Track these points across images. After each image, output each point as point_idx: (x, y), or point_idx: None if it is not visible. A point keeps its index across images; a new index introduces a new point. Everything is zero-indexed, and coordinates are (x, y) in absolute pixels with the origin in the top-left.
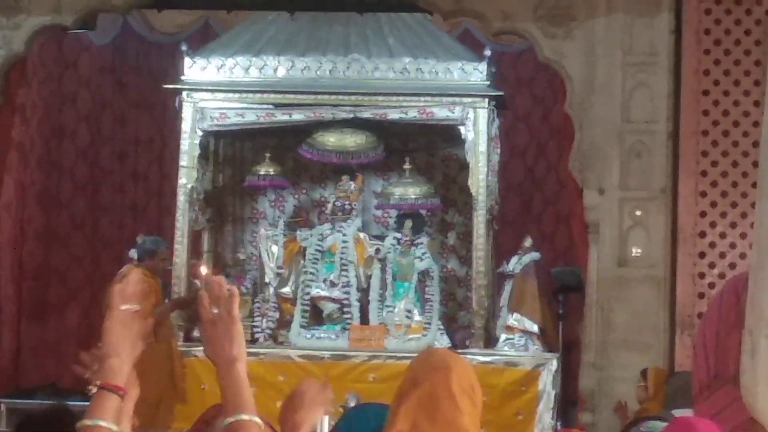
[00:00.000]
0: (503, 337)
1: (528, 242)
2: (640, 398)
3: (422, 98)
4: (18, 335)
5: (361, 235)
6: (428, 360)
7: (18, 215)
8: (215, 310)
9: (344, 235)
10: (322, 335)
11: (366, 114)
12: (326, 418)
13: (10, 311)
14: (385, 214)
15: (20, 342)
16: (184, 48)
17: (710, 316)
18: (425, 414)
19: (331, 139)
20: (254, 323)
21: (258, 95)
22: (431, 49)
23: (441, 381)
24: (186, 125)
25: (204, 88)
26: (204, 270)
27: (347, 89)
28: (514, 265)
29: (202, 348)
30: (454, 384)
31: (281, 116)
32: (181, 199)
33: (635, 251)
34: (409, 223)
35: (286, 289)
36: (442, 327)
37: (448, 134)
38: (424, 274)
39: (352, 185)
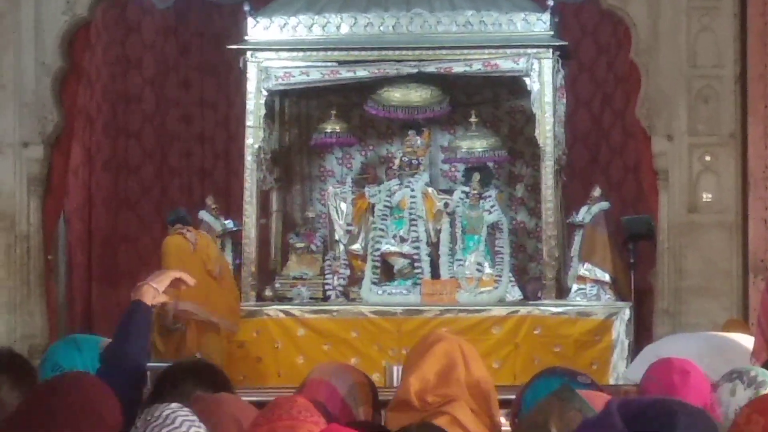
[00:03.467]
0: (575, 287)
1: (597, 192)
2: None
3: (486, 50)
4: (89, 301)
5: (430, 189)
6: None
7: (86, 181)
8: None
9: (412, 190)
10: (393, 291)
11: (430, 68)
12: (400, 368)
13: (80, 277)
14: (453, 168)
15: (91, 307)
16: (246, 8)
17: None
18: (435, 377)
19: (396, 95)
20: (325, 281)
21: (322, 53)
22: (493, 0)
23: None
24: (251, 85)
25: (267, 47)
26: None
27: (410, 44)
28: (583, 215)
29: (274, 307)
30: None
31: (345, 73)
32: (249, 159)
33: (705, 197)
34: (476, 177)
35: (356, 246)
36: (513, 279)
37: (513, 86)
38: (493, 227)
39: (419, 140)
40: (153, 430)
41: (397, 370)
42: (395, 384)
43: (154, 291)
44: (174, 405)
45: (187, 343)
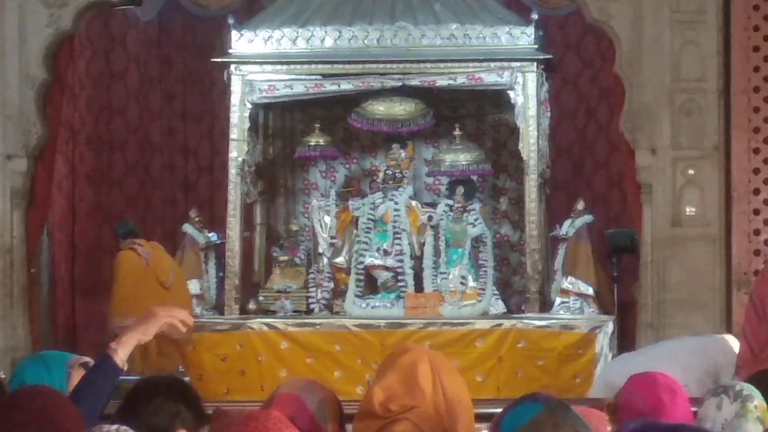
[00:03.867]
0: (558, 300)
1: (580, 205)
2: None
3: (470, 64)
4: (72, 312)
5: (413, 202)
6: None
7: (69, 193)
8: None
9: (396, 203)
10: (377, 304)
11: (414, 81)
12: None
13: (64, 289)
14: (437, 181)
15: (75, 319)
16: (230, 21)
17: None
18: (400, 386)
19: (380, 108)
20: (309, 294)
21: (306, 66)
22: (478, 14)
23: (409, 362)
24: (235, 98)
25: (252, 60)
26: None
27: (395, 57)
28: (567, 228)
29: (258, 320)
30: (422, 365)
31: (330, 86)
32: (233, 172)
33: (689, 210)
34: (460, 190)
35: (340, 259)
36: (496, 292)
37: (498, 99)
38: (477, 240)
39: (403, 153)
40: None
41: None
42: None
43: (135, 341)
44: (114, 427)
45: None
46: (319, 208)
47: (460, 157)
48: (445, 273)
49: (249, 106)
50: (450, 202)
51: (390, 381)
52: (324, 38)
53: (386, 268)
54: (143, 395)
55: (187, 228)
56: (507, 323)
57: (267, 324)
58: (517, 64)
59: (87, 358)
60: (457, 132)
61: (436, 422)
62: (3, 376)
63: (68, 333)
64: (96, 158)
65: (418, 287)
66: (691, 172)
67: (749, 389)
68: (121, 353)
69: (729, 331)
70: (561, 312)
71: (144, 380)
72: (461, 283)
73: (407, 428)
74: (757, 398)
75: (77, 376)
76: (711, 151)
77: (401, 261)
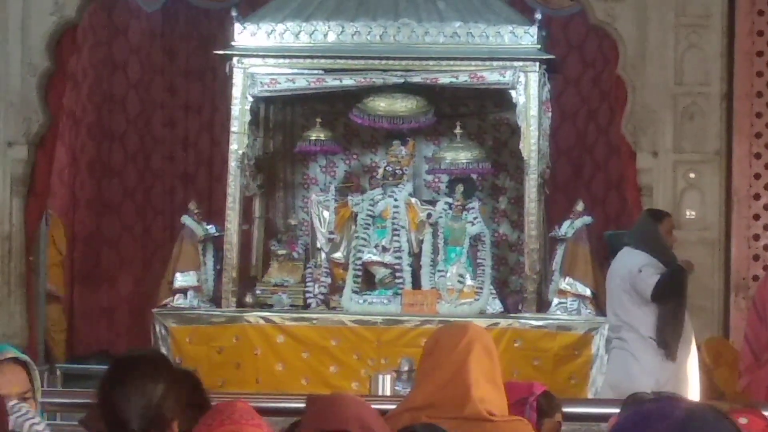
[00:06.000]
0: (555, 301)
1: (580, 206)
2: (704, 374)
3: (473, 62)
4: (71, 302)
5: (413, 200)
6: (444, 339)
7: (69, 183)
8: None
9: (395, 200)
10: (374, 300)
11: (416, 78)
12: (388, 377)
13: (63, 278)
14: (436, 179)
15: (73, 309)
16: (233, 14)
17: None
18: (440, 392)
19: (381, 104)
20: (306, 288)
21: (308, 60)
22: (481, 13)
23: (458, 360)
24: (236, 91)
25: (254, 53)
26: None
27: (397, 54)
28: (566, 229)
29: (254, 313)
30: (472, 359)
31: (332, 81)
32: (232, 165)
33: (689, 214)
34: (460, 188)
35: (338, 255)
36: (494, 291)
37: (499, 98)
38: (475, 239)
39: (403, 150)
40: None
41: (382, 379)
42: (380, 393)
43: None
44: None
45: None
46: (318, 203)
47: (460, 156)
48: (442, 271)
49: (250, 99)
50: (449, 200)
51: (481, 384)
52: (327, 33)
53: (384, 265)
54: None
55: (186, 220)
56: (504, 323)
57: (264, 317)
58: (520, 63)
59: (18, 355)
60: (457, 130)
61: None
62: None
63: (67, 323)
64: (96, 148)
65: (416, 284)
66: (692, 175)
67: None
68: None
69: (726, 335)
70: (558, 313)
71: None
72: (459, 281)
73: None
74: None
75: (8, 371)
76: (712, 156)
77: (399, 258)
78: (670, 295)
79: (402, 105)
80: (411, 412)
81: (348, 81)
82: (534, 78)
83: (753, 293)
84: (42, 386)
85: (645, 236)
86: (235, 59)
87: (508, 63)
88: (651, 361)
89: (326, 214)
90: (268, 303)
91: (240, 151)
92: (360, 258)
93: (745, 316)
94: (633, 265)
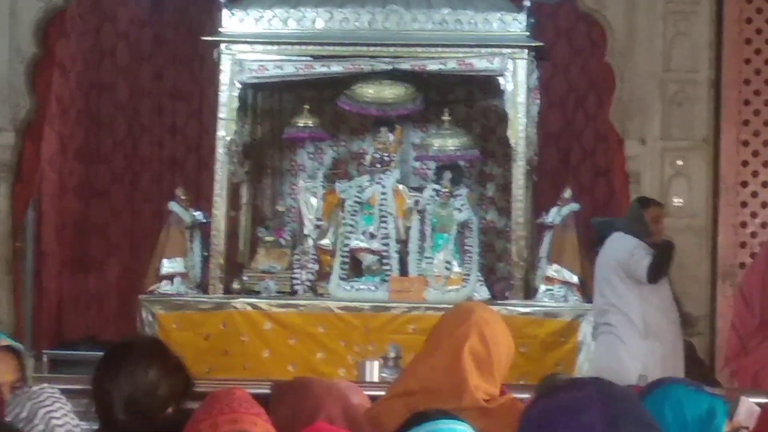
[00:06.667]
0: (543, 288)
1: (567, 193)
2: None
3: (461, 49)
4: (60, 288)
5: (400, 186)
6: (446, 320)
7: (58, 169)
8: None
9: (383, 186)
10: (361, 287)
11: (405, 65)
12: (375, 364)
13: (52, 265)
14: (424, 166)
15: (62, 295)
16: (222, 0)
17: (756, 265)
18: (436, 376)
19: (369, 91)
20: (293, 275)
21: (296, 47)
22: (470, 0)
23: (454, 346)
24: (224, 78)
25: (242, 40)
26: None
27: (386, 41)
28: (553, 216)
29: (241, 300)
30: (467, 347)
31: (320, 68)
32: (220, 151)
33: (677, 201)
34: (448, 175)
35: (326, 241)
36: (481, 278)
37: (487, 85)
38: (463, 226)
39: (391, 137)
40: (20, 402)
41: (369, 365)
42: (367, 379)
43: None
44: (47, 385)
45: None
46: (306, 190)
47: (448, 143)
48: (430, 257)
49: (238, 85)
50: (437, 186)
51: (475, 373)
52: (315, 20)
53: (371, 252)
54: (120, 357)
55: (173, 206)
56: None
57: (251, 304)
58: (508, 50)
59: (11, 344)
60: (445, 117)
61: None
62: None
63: (55, 308)
64: (84, 135)
65: (403, 271)
66: (679, 163)
67: None
68: None
69: (713, 322)
70: (545, 299)
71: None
72: (446, 268)
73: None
74: None
75: (2, 360)
76: (700, 143)
77: (387, 244)
78: (664, 272)
79: (390, 92)
80: (405, 398)
81: (336, 67)
82: (522, 65)
83: (740, 280)
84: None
85: (631, 222)
86: (223, 46)
87: (496, 50)
88: (638, 345)
89: (314, 200)
90: (255, 289)
91: (228, 138)
92: (347, 245)
93: (732, 304)
94: (624, 249)
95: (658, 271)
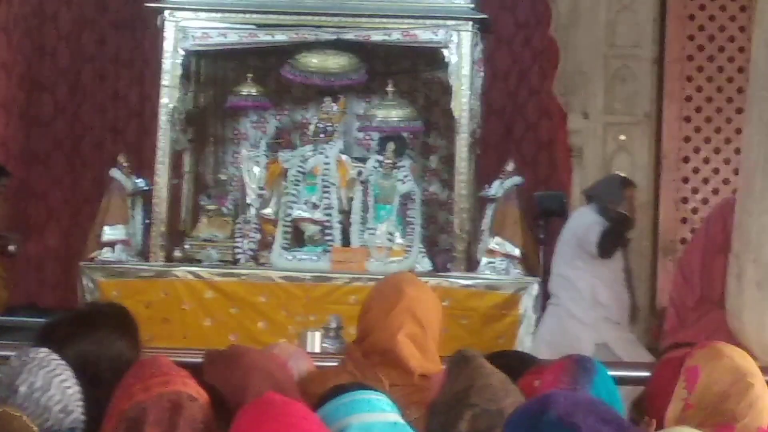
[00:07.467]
0: (484, 260)
1: (510, 166)
2: None
3: (405, 20)
4: None
5: (343, 157)
6: (382, 301)
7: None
8: None
9: (326, 157)
10: (303, 257)
11: (349, 35)
12: (317, 334)
13: None
14: (367, 137)
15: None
16: None
17: (696, 240)
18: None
19: (313, 61)
20: (236, 244)
21: (241, 15)
22: None
23: (389, 333)
24: (168, 45)
25: (186, 7)
26: None
27: (330, 10)
28: (496, 189)
29: (183, 268)
30: (402, 334)
31: (264, 37)
32: (163, 119)
33: None
34: (391, 146)
35: (268, 211)
36: (423, 250)
37: (431, 57)
38: (405, 197)
39: (335, 107)
40: (31, 371)
41: (311, 336)
42: (308, 350)
43: None
44: (45, 349)
45: None
46: (249, 159)
47: (391, 114)
48: (372, 228)
49: (182, 53)
50: (380, 158)
51: (417, 355)
52: None
53: (314, 222)
54: (86, 323)
55: (115, 173)
56: (433, 281)
57: (192, 273)
58: (452, 22)
59: None
60: (389, 88)
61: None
62: None
63: None
64: (26, 99)
65: (346, 242)
66: (622, 137)
67: None
68: None
69: (654, 297)
70: (487, 272)
71: (87, 309)
72: (388, 239)
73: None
74: None
75: None
76: (642, 118)
77: (329, 215)
78: (615, 246)
79: (334, 62)
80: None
81: (280, 36)
82: (467, 37)
83: (680, 256)
84: None
85: (605, 194)
86: (166, 12)
87: (440, 21)
88: (586, 314)
89: (256, 169)
90: (196, 258)
91: (170, 105)
92: (290, 214)
93: (672, 279)
94: (584, 224)
95: (609, 242)
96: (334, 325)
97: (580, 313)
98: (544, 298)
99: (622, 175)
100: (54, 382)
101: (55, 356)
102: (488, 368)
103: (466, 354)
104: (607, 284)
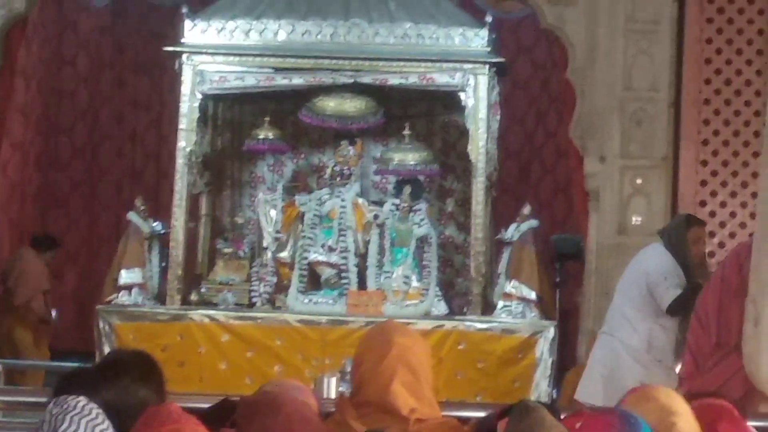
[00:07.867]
0: (501, 304)
1: (526, 210)
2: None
3: (422, 64)
4: None
5: (360, 200)
6: (372, 351)
7: (16, 177)
8: None
9: (342, 200)
10: (319, 300)
11: (366, 79)
12: (333, 380)
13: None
14: (384, 180)
15: None
16: (184, 10)
17: (713, 285)
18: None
19: (330, 104)
20: (252, 287)
21: (258, 59)
22: (432, 14)
23: (383, 383)
24: (185, 88)
25: (204, 51)
26: None
27: (347, 54)
28: (512, 232)
29: (199, 311)
30: (396, 383)
31: (281, 80)
32: (180, 162)
33: (635, 219)
34: (407, 189)
35: (284, 254)
36: (439, 293)
37: (448, 100)
38: (422, 241)
39: (351, 150)
40: (73, 419)
41: (327, 381)
42: (324, 396)
43: None
44: (83, 397)
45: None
46: (266, 202)
47: (408, 157)
48: (388, 272)
49: (199, 96)
50: (396, 201)
51: (410, 402)
52: (277, 32)
53: (330, 265)
54: (111, 372)
55: (132, 216)
56: (449, 324)
57: (208, 316)
58: (469, 65)
59: None
60: (406, 131)
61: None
62: None
63: None
64: (44, 142)
65: (362, 285)
66: (639, 181)
67: None
68: None
69: None
70: (503, 315)
71: (113, 357)
72: (404, 282)
73: None
74: None
75: None
76: (659, 161)
77: (345, 258)
78: (685, 310)
79: (351, 105)
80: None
81: (297, 80)
82: (483, 80)
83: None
84: None
85: (671, 237)
86: (184, 56)
87: (457, 65)
88: (645, 359)
89: (273, 213)
90: (213, 301)
91: (188, 148)
92: (306, 258)
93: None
94: (659, 267)
95: (680, 307)
96: (349, 368)
97: (634, 351)
98: (561, 341)
99: (690, 214)
100: (96, 430)
101: (93, 405)
102: (549, 420)
103: (529, 404)
104: (666, 331)
